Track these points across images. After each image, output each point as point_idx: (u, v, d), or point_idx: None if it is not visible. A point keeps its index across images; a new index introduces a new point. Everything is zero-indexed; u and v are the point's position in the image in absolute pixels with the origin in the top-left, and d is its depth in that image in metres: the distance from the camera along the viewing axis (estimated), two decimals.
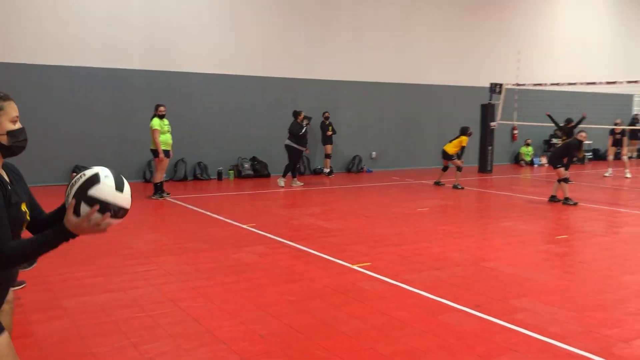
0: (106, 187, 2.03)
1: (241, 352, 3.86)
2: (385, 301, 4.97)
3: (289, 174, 12.82)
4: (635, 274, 5.99)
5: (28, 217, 2.20)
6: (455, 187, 12.71)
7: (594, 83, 15.62)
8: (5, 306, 2.32)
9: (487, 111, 16.30)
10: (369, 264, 6.13)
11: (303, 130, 12.61)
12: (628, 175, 15.36)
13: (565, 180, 10.63)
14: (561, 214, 9.74)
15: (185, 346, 3.95)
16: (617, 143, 16.09)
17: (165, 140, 10.50)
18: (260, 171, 14.29)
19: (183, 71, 13.51)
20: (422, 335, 4.20)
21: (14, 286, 2.21)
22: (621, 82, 14.91)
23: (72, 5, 12.26)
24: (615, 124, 16.13)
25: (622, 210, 10.27)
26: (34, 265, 5.64)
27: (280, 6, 14.63)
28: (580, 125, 13.91)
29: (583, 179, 14.80)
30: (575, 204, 10.44)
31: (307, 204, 10.68)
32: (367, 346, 3.99)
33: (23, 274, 5.37)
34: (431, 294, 5.13)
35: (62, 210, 2.23)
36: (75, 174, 2.07)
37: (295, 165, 13.00)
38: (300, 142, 12.66)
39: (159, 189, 10.64)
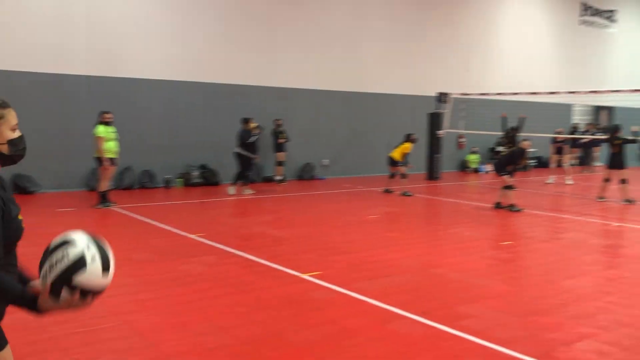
0: (93, 273, 1.84)
1: None
2: (336, 310, 4.96)
3: (240, 181, 12.70)
4: (576, 278, 6.20)
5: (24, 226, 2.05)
6: (404, 194, 12.88)
7: (536, 93, 16.18)
8: None
9: (435, 120, 16.64)
10: (319, 272, 6.11)
11: (253, 139, 12.52)
12: (569, 182, 15.95)
13: (510, 187, 10.93)
14: (506, 221, 10.01)
15: None
16: (559, 151, 16.70)
17: (110, 147, 10.22)
18: (209, 179, 14.09)
19: (129, 77, 13.21)
20: (371, 344, 4.21)
21: None
22: (561, 93, 15.50)
23: (9, 5, 11.81)
24: (557, 133, 16.75)
25: (563, 216, 10.64)
26: None
27: (229, 12, 14.52)
28: (524, 134, 14.35)
29: (527, 186, 15.26)
30: (519, 210, 10.74)
31: (257, 213, 10.60)
32: (317, 356, 3.97)
33: None
34: (381, 301, 5.16)
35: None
36: (53, 244, 1.89)
37: (246, 173, 12.89)
38: (250, 149, 12.57)
39: (104, 198, 10.33)
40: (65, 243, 1.87)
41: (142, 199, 11.87)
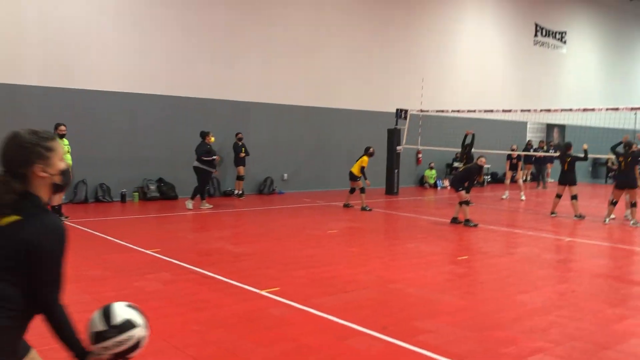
0: (140, 348, 2.25)
1: None
2: (294, 327, 4.93)
3: (198, 196, 12.54)
4: (529, 292, 6.33)
5: None
6: (363, 209, 12.97)
7: (491, 111, 16.60)
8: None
9: (394, 135, 16.87)
10: (278, 288, 6.07)
11: (210, 153, 12.39)
12: (523, 197, 16.36)
13: (467, 202, 11.14)
14: (462, 235, 10.18)
15: None
16: (513, 167, 17.15)
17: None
18: (167, 193, 13.88)
19: (85, 89, 12.93)
20: None
21: None
22: (516, 111, 15.95)
23: None
24: (512, 150, 17.20)
25: (517, 231, 10.90)
26: None
27: (188, 25, 14.43)
28: (480, 151, 14.67)
29: (482, 201, 15.59)
30: (475, 225, 10.95)
31: (216, 227, 10.48)
32: None
33: None
34: (340, 317, 5.15)
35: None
36: (118, 319, 2.22)
37: (205, 187, 12.75)
38: (209, 163, 12.44)
39: (56, 213, 10.05)
40: (130, 324, 2.22)
41: (97, 213, 11.59)
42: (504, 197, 16.47)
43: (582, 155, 12.62)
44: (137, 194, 13.57)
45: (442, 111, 17.61)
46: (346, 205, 13.42)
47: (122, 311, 2.23)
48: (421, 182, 19.99)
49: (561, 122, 24.26)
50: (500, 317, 5.36)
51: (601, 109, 15.59)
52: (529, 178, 21.32)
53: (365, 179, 13.09)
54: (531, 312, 5.57)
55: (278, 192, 16.18)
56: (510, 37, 22.91)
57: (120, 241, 8.54)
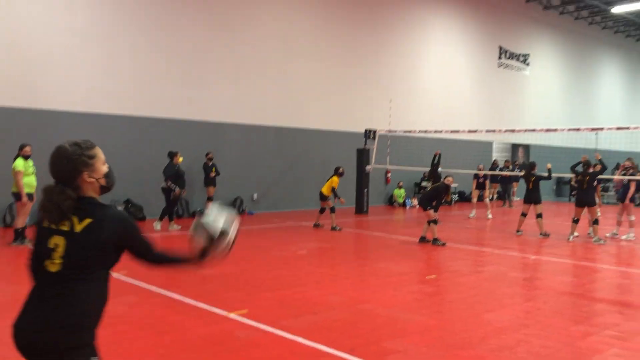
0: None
1: None
2: (261, 350, 4.88)
3: (166, 217, 12.39)
4: (497, 310, 6.41)
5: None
6: (333, 228, 12.98)
7: (458, 131, 16.90)
8: None
9: (363, 155, 17.01)
10: (246, 311, 6.02)
11: (178, 174, 12.26)
12: (489, 216, 16.62)
13: (435, 221, 11.26)
14: (431, 254, 10.27)
15: None
16: (480, 186, 17.43)
17: (29, 182, 9.75)
18: (135, 214, 13.66)
19: (50, 109, 12.72)
20: None
21: None
22: (481, 131, 16.28)
23: None
24: (478, 169, 17.50)
25: (484, 249, 11.04)
26: None
27: (156, 45, 14.37)
28: (447, 170, 14.91)
29: (450, 220, 15.77)
30: (443, 244, 11.06)
31: (184, 249, 10.33)
32: None
33: None
34: (308, 339, 5.12)
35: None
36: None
37: (173, 208, 12.60)
38: (177, 183, 12.32)
39: (20, 235, 9.79)
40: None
41: None
42: (471, 215, 16.70)
43: (546, 174, 12.92)
44: None
45: (410, 131, 17.86)
46: (316, 225, 13.41)
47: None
48: (390, 201, 20.14)
49: (525, 141, 24.87)
50: (468, 336, 5.40)
51: (563, 129, 16.03)
52: (495, 197, 21.67)
53: (339, 198, 13.10)
54: (498, 330, 5.63)
55: (248, 213, 16.09)
56: (475, 60, 23.44)
57: None
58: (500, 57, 24.51)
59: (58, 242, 2.34)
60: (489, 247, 11.26)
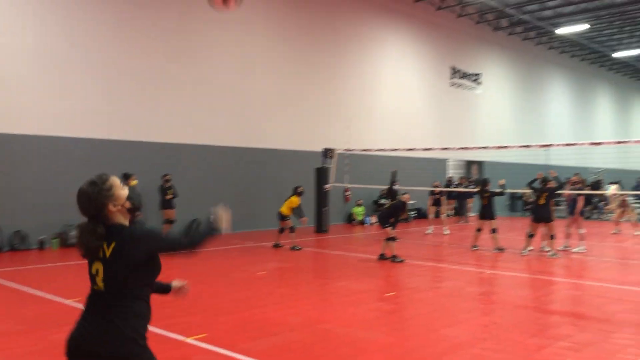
0: None
1: None
2: None
3: None
4: (454, 326, 6.50)
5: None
6: (293, 248, 12.95)
7: (413, 149, 17.19)
8: None
9: (322, 174, 17.10)
10: (204, 335, 5.93)
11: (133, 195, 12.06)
12: (446, 232, 16.89)
13: (393, 239, 11.38)
14: (390, 272, 10.35)
15: None
16: (437, 203, 17.72)
17: None
18: None
19: (2, 132, 12.36)
20: None
21: None
22: (436, 149, 16.62)
23: None
24: (434, 186, 17.80)
25: (442, 265, 11.21)
26: None
27: (110, 65, 14.17)
28: (404, 187, 15.11)
29: (408, 237, 15.95)
30: (402, 261, 11.18)
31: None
32: None
33: None
34: None
35: None
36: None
37: None
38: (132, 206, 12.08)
39: None
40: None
41: (12, 262, 10.95)
42: (428, 232, 16.94)
43: (499, 190, 13.24)
44: (56, 240, 12.95)
45: (367, 150, 18.07)
46: (276, 245, 13.36)
47: None
48: (350, 219, 20.24)
49: (479, 158, 25.48)
50: (427, 353, 5.46)
51: (515, 146, 16.50)
52: (452, 213, 22.05)
53: (302, 216, 13.10)
54: (456, 346, 5.71)
55: None
56: (429, 79, 23.96)
57: (37, 291, 8.09)
58: (453, 77, 25.13)
59: (98, 268, 2.66)
60: (446, 263, 11.43)
